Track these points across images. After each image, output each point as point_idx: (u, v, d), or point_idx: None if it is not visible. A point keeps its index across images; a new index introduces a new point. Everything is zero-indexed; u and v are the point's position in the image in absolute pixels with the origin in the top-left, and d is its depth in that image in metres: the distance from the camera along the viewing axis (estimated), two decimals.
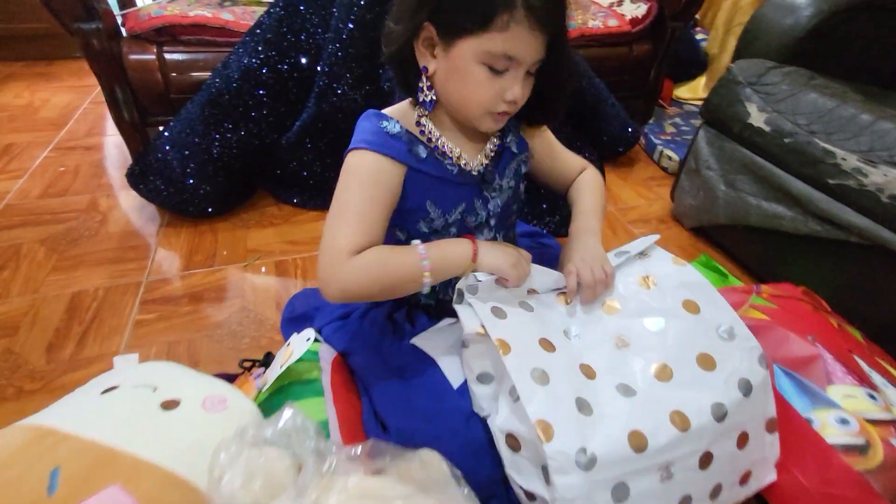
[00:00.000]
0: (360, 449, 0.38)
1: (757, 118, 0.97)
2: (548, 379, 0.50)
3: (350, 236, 0.52)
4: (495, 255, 0.56)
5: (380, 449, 0.38)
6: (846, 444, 0.55)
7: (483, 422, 0.58)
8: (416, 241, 0.54)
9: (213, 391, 0.49)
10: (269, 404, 0.58)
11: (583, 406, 0.49)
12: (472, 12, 0.49)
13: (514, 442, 0.52)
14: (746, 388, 0.52)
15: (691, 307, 0.58)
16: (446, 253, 0.55)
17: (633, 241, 0.65)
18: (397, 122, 0.57)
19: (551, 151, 0.71)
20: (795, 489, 0.55)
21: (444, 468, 0.51)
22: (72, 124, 1.56)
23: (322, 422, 0.56)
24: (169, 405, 0.45)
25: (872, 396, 0.59)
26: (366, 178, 0.54)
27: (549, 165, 0.71)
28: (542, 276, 0.60)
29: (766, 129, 0.95)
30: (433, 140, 0.57)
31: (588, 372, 0.53)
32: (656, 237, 0.65)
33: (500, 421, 0.53)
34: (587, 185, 0.71)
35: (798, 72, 0.98)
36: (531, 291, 0.60)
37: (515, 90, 0.52)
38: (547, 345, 0.53)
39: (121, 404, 0.45)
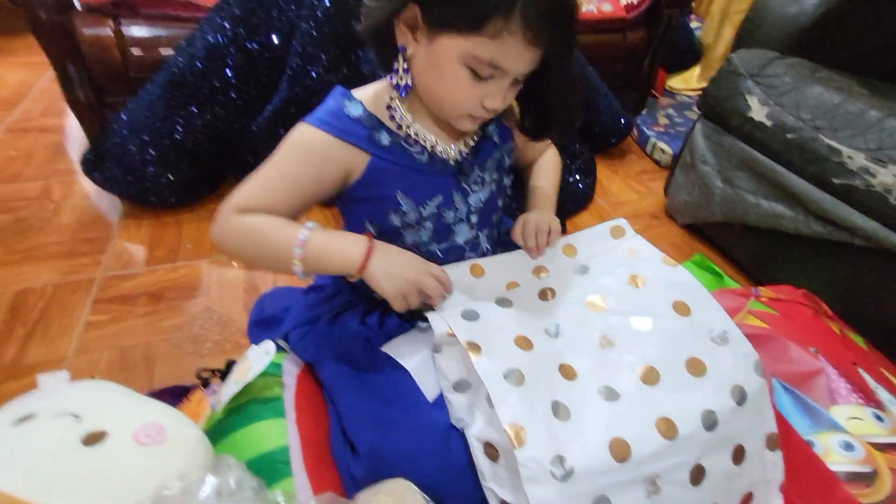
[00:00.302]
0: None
1: (758, 112, 0.91)
2: (523, 379, 0.46)
3: (248, 194, 0.49)
4: (386, 276, 0.48)
5: None
6: (851, 473, 0.51)
7: (463, 439, 0.53)
8: (311, 224, 0.48)
9: (149, 418, 0.42)
10: (222, 426, 0.51)
11: (559, 410, 0.46)
12: (463, 9, 0.43)
13: (492, 451, 0.47)
14: (740, 396, 0.48)
15: (682, 309, 0.54)
16: (330, 249, 0.48)
17: (599, 225, 0.64)
18: (360, 103, 0.51)
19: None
20: None
21: (417, 500, 0.46)
22: (26, 103, 1.45)
23: (282, 448, 0.50)
24: (93, 439, 0.39)
25: (879, 418, 0.55)
26: (298, 154, 0.50)
27: (524, 148, 0.67)
28: (504, 266, 0.57)
29: (768, 123, 0.90)
30: (404, 127, 0.52)
31: (568, 373, 0.49)
32: (622, 220, 0.64)
33: (477, 430, 0.48)
34: (548, 165, 0.69)
35: (802, 63, 0.93)
36: (512, 285, 0.56)
37: (496, 100, 0.47)
38: (524, 342, 0.50)
39: (34, 440, 0.38)
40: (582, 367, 0.50)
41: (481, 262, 0.57)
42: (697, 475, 0.46)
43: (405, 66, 0.49)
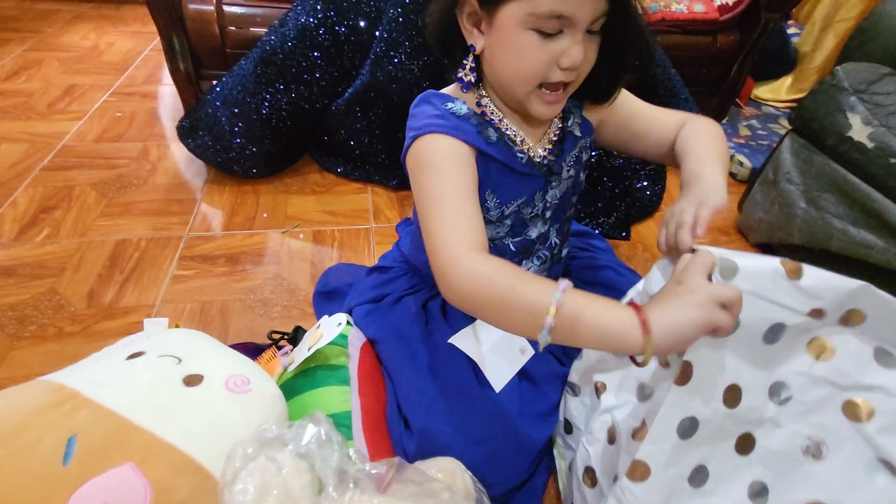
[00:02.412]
0: (384, 467, 0.35)
1: (859, 132, 0.85)
2: (693, 433, 0.40)
3: (459, 230, 0.44)
4: (677, 331, 0.36)
5: (407, 476, 0.34)
6: None
7: (512, 430, 0.55)
8: (566, 281, 0.40)
9: (237, 370, 0.47)
10: (293, 386, 0.56)
11: (699, 476, 0.41)
12: None
13: (591, 478, 0.47)
14: None
15: None
16: (592, 313, 0.38)
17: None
18: (463, 102, 0.52)
19: (632, 112, 0.59)
20: None
21: (466, 481, 0.48)
22: (132, 70, 1.58)
23: (345, 412, 0.53)
24: (191, 381, 0.44)
25: None
26: (449, 163, 0.48)
27: (635, 128, 0.59)
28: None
29: (869, 145, 0.84)
30: (496, 122, 0.52)
31: (742, 446, 0.42)
32: None
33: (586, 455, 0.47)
34: (696, 132, 0.55)
35: None
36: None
37: (573, 53, 0.44)
38: (733, 394, 0.40)
39: (144, 374, 0.44)
40: (762, 449, 0.41)
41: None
42: None
43: (472, 65, 0.50)
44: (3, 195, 1.03)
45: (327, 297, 0.85)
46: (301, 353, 0.56)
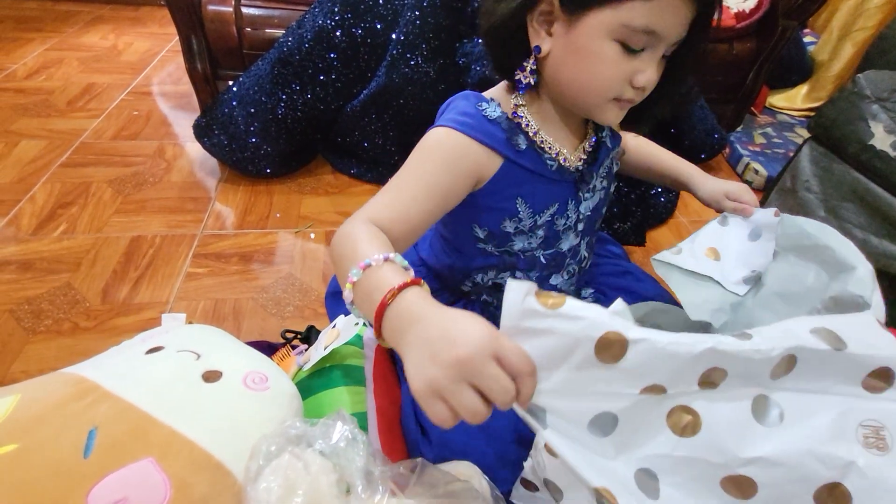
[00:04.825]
0: (407, 469, 0.34)
1: (882, 140, 0.84)
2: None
3: (381, 202, 0.44)
4: (412, 354, 0.30)
5: (430, 479, 0.34)
6: None
7: (526, 431, 0.54)
8: (395, 256, 0.37)
9: (254, 367, 0.47)
10: (308, 385, 0.55)
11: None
12: None
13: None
14: None
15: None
16: (372, 287, 0.35)
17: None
18: (498, 105, 0.50)
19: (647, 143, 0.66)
20: None
21: (483, 486, 0.47)
22: (149, 70, 1.60)
23: (360, 413, 0.53)
24: (210, 377, 0.43)
25: None
26: (438, 159, 0.47)
27: (646, 156, 0.68)
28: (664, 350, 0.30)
29: (892, 153, 0.82)
30: (530, 133, 0.51)
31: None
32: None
33: None
34: (652, 145, 0.71)
35: None
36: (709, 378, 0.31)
37: (648, 73, 0.43)
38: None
39: (163, 368, 0.43)
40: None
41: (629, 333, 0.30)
42: None
43: (533, 67, 0.47)
44: (23, 190, 1.04)
45: (339, 297, 0.85)
46: (317, 352, 0.56)
